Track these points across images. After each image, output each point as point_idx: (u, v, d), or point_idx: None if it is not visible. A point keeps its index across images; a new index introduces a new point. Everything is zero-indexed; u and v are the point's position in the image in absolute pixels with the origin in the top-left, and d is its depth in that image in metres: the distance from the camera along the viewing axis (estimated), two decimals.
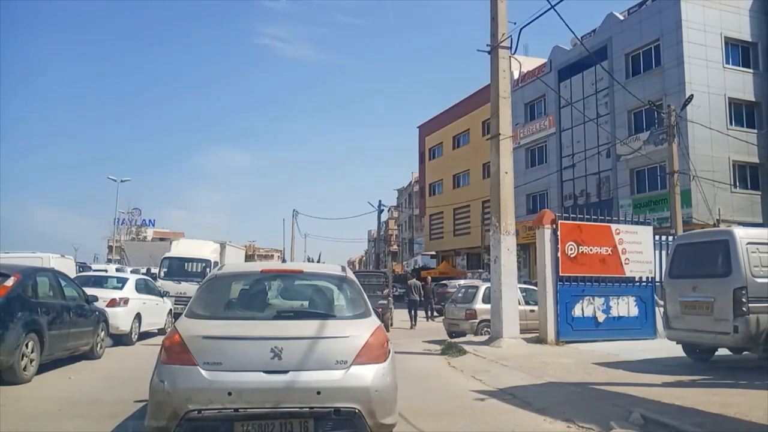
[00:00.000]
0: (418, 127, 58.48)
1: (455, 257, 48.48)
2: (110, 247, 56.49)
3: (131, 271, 23.76)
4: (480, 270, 31.98)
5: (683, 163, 23.23)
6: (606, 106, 32.42)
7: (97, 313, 10.41)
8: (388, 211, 71.26)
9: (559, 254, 12.16)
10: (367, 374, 4.27)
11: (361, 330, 4.52)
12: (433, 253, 52.64)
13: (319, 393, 4.12)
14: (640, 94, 25.83)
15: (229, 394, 4.04)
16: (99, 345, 10.44)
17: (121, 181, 48.96)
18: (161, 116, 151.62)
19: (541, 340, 12.13)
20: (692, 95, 23.60)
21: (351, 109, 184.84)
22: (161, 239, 57.30)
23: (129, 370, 9.57)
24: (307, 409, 4.09)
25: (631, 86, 27.87)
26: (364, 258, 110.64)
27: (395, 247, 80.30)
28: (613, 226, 12.87)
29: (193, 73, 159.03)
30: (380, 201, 55.90)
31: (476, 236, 42.89)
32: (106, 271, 21.35)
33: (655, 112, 28.19)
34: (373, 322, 4.73)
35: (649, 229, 13.38)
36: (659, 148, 27.09)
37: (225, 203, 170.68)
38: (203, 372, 4.11)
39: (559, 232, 12.22)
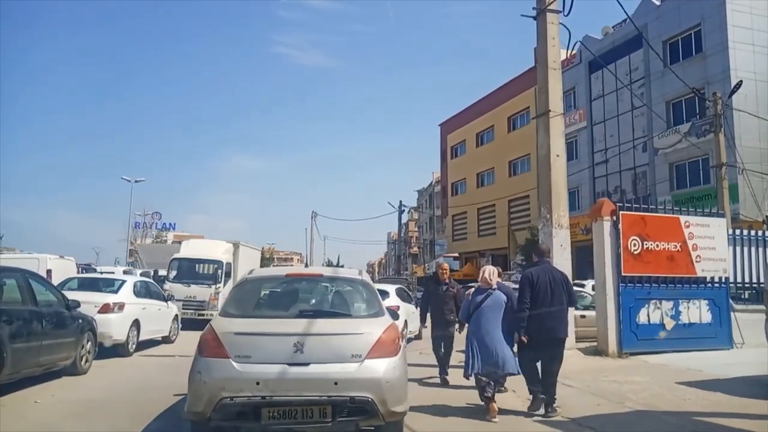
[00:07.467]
0: (439, 125, 56.63)
1: (480, 259, 46.53)
2: (131, 251, 55.45)
3: (141, 273, 22.40)
4: (509, 271, 30.10)
5: (729, 155, 21.29)
6: (641, 98, 30.42)
7: (80, 321, 8.84)
8: (408, 212, 69.59)
9: (620, 251, 10.41)
10: (379, 367, 4.62)
11: (375, 327, 4.87)
12: (456, 254, 50.69)
13: (336, 383, 4.49)
14: (680, 83, 23.90)
15: (257, 383, 4.45)
16: (84, 358, 8.88)
17: (135, 181, 47.92)
18: (181, 121, 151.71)
19: (600, 352, 10.37)
20: (741, 81, 21.57)
21: (369, 112, 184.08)
22: (180, 243, 56.08)
23: (118, 389, 8.01)
24: (326, 398, 4.47)
25: (670, 75, 25.94)
26: (383, 260, 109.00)
27: (416, 249, 78.56)
28: (682, 218, 11.04)
29: (212, 80, 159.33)
30: (401, 201, 54.42)
31: (502, 237, 41.02)
32: (112, 273, 19.94)
33: (697, 102, 26.36)
34: (386, 320, 5.09)
35: (723, 222, 11.56)
36: (702, 140, 25.18)
37: (245, 207, 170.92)
38: (235, 364, 4.53)
39: (620, 225, 10.46)
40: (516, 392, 7.26)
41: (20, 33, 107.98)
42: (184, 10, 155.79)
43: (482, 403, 6.39)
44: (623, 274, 10.42)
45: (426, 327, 8.95)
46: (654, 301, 10.64)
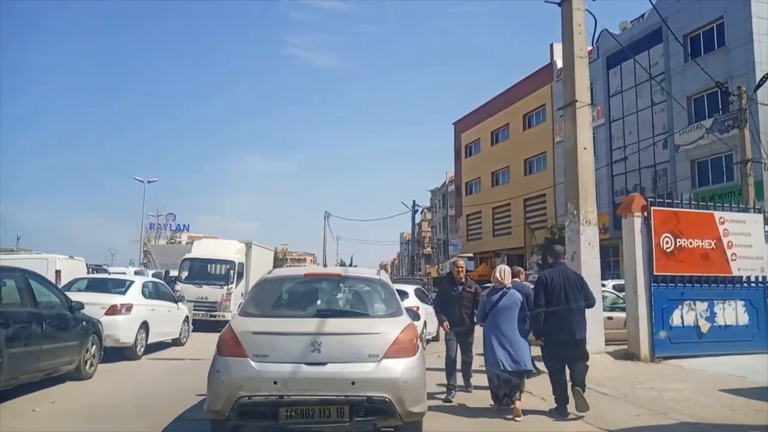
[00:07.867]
0: (453, 124, 55.93)
1: (495, 259, 45.85)
2: (144, 252, 55.45)
3: (153, 274, 22.06)
4: (528, 271, 29.42)
5: (755, 151, 20.58)
6: (661, 93, 29.62)
7: (84, 323, 8.43)
8: (421, 212, 68.99)
9: (652, 248, 9.83)
10: (397, 367, 4.59)
11: (392, 327, 4.83)
12: (471, 254, 49.95)
13: (353, 383, 4.48)
14: (702, 78, 23.16)
15: (275, 382, 4.46)
16: (89, 362, 8.46)
17: (148, 182, 47.80)
18: (192, 122, 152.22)
19: (630, 356, 9.80)
20: (767, 75, 20.83)
21: (380, 112, 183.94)
22: (192, 243, 55.81)
23: (124, 393, 7.63)
24: (343, 397, 4.45)
25: (691, 70, 25.24)
26: (396, 261, 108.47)
27: (429, 249, 77.94)
28: (717, 214, 10.47)
29: (221, 81, 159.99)
30: (414, 201, 53.87)
31: (518, 236, 40.43)
32: (123, 273, 19.58)
33: (719, 97, 25.56)
34: (404, 320, 5.03)
35: (760, 218, 10.94)
36: (725, 136, 24.41)
37: (257, 207, 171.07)
38: (253, 363, 4.56)
39: (652, 222, 9.89)
40: (546, 400, 6.77)
41: (36, 32, 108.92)
42: (193, 10, 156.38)
43: (504, 405, 6.45)
44: (655, 273, 9.87)
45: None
46: (688, 301, 10.08)
